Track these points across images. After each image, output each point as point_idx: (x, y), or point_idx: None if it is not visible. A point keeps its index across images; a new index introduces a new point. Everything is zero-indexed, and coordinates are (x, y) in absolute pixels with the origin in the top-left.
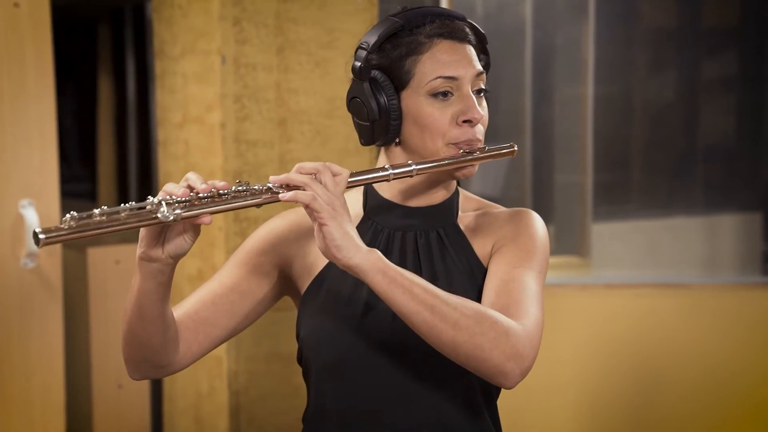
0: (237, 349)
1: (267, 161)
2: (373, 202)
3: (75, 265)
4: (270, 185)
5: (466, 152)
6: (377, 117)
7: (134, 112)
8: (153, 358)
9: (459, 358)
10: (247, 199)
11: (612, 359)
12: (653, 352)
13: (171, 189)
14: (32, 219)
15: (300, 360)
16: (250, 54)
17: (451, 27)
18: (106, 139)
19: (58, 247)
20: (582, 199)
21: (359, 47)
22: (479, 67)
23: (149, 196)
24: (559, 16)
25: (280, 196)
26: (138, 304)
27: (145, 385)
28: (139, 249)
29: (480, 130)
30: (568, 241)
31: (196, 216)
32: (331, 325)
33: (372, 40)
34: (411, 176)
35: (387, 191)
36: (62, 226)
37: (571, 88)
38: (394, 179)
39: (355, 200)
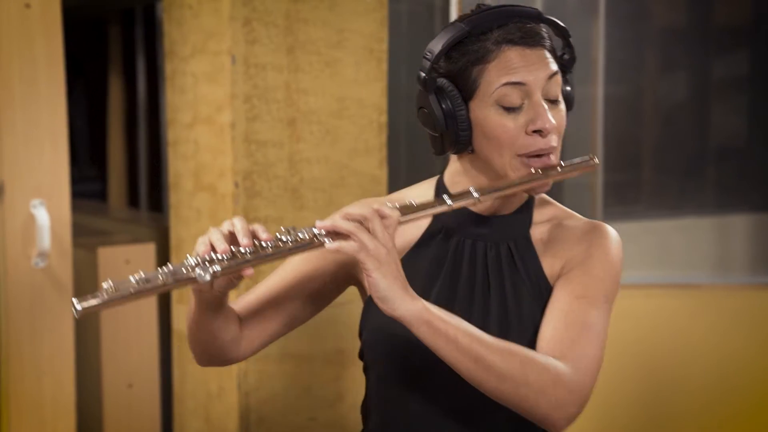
0: None
1: (276, 161)
2: None
3: (85, 265)
4: (315, 231)
5: (538, 171)
6: (445, 128)
7: (144, 112)
8: (215, 354)
9: (505, 405)
10: (291, 250)
11: (622, 359)
12: (663, 352)
13: (214, 240)
14: (43, 219)
15: (361, 356)
16: (260, 54)
17: (522, 31)
18: (116, 139)
19: (68, 246)
20: (592, 199)
21: (424, 56)
22: (553, 67)
23: (188, 255)
24: (570, 16)
25: (326, 245)
26: (196, 320)
27: (155, 386)
28: (173, 289)
29: (553, 138)
30: None
31: (236, 272)
32: (393, 335)
33: (436, 48)
34: (474, 204)
35: None
36: (99, 294)
37: (582, 88)
38: (455, 210)
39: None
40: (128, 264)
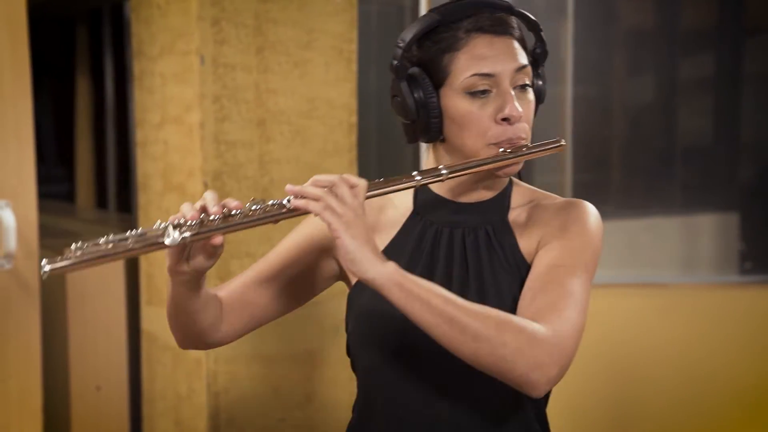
0: (216, 349)
1: (246, 162)
2: (422, 197)
3: None
4: (283, 201)
5: (507, 151)
6: (416, 116)
7: (112, 112)
8: (195, 338)
9: (483, 369)
10: (260, 218)
11: (590, 358)
12: (632, 350)
13: (184, 210)
14: (9, 220)
15: (349, 352)
16: (229, 54)
17: (491, 20)
18: (84, 139)
19: (35, 248)
20: None
21: (396, 45)
22: (521, 61)
23: (159, 220)
24: (538, 17)
25: (292, 201)
26: (174, 302)
27: (123, 387)
28: (167, 261)
29: (522, 127)
30: None
31: (205, 238)
32: (375, 326)
33: (408, 36)
34: (442, 180)
35: (436, 186)
36: (68, 256)
37: (550, 89)
38: (422, 186)
39: (405, 194)
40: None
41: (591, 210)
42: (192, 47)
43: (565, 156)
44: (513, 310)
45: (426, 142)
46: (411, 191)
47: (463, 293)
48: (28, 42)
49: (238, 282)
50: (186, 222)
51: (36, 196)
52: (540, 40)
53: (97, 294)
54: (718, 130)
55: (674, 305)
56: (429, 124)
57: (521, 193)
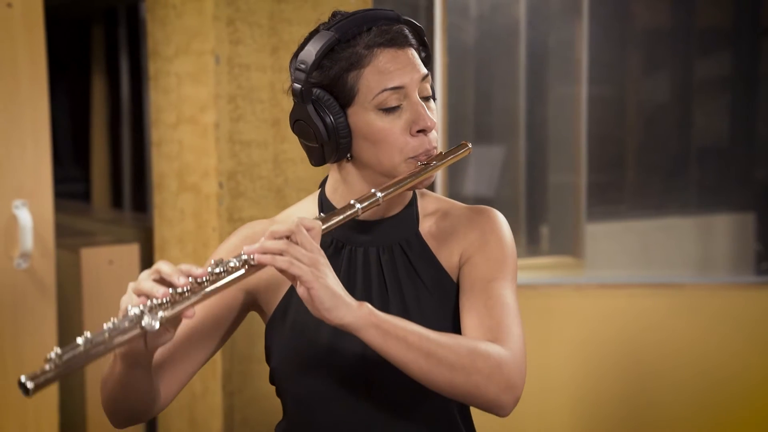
0: (231, 349)
1: (261, 161)
2: None
3: (68, 266)
4: (245, 257)
5: (424, 164)
6: (326, 139)
7: (128, 112)
8: (137, 415)
9: (455, 396)
10: (230, 281)
11: (605, 359)
12: (647, 351)
13: (153, 290)
14: (26, 219)
15: (272, 381)
16: (244, 54)
17: (389, 33)
18: (99, 139)
19: (51, 247)
20: (576, 200)
21: (297, 68)
22: (424, 70)
23: (129, 305)
24: (553, 17)
25: (256, 257)
26: (121, 384)
27: None
28: (122, 348)
29: (434, 136)
30: (561, 241)
31: (180, 314)
32: (301, 357)
33: (309, 59)
34: (378, 204)
35: (342, 205)
36: (48, 367)
37: (565, 89)
38: (363, 213)
39: (311, 215)
40: (112, 264)
41: (501, 218)
42: (207, 47)
43: (579, 156)
44: (439, 331)
45: (334, 162)
46: (316, 212)
47: None
48: (45, 42)
49: (168, 344)
50: (157, 302)
51: (52, 195)
52: (424, 45)
53: (113, 293)
54: (734, 129)
55: (690, 306)
56: (338, 145)
57: (426, 202)
